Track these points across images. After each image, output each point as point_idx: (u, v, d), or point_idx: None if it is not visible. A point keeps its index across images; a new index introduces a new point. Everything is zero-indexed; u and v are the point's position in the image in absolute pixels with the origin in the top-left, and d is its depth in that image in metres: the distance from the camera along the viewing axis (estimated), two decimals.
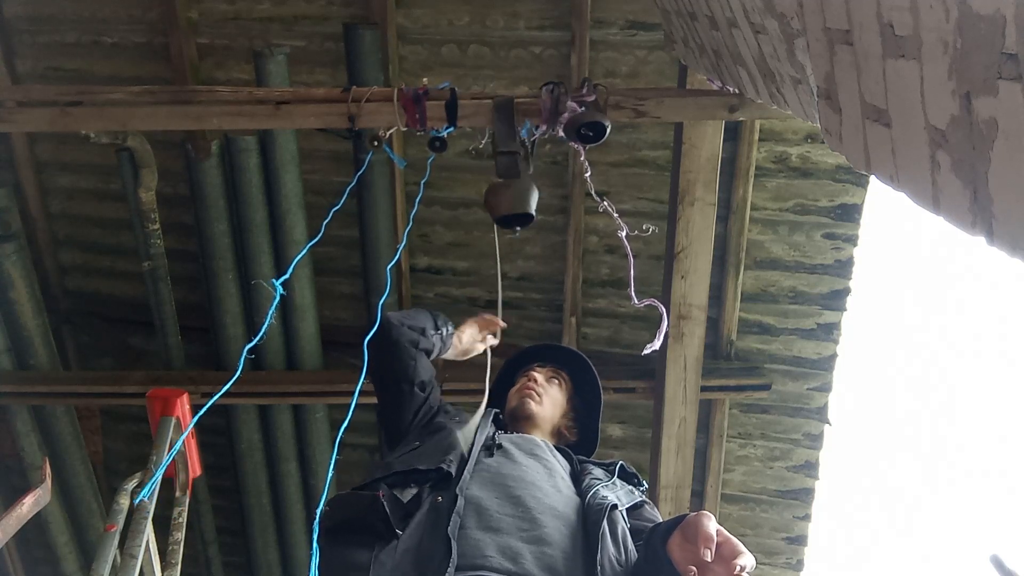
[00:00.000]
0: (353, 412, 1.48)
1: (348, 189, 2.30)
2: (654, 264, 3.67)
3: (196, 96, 2.38)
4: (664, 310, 1.81)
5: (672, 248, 3.29)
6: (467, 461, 1.52)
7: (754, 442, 4.08)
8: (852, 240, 3.58)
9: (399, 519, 1.38)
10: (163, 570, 2.58)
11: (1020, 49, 0.64)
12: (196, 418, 1.26)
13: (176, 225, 4.12)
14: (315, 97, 2.35)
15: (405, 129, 2.29)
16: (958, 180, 0.80)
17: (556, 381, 1.94)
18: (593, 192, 2.16)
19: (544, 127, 2.19)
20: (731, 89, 2.20)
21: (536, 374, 1.93)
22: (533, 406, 1.84)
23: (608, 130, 2.08)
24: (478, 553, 1.32)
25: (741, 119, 2.73)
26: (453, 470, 1.48)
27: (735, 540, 1.20)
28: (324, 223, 1.96)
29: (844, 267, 3.63)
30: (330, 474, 1.47)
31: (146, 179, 3.68)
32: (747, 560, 1.16)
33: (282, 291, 1.49)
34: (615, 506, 1.45)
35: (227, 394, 1.46)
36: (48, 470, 2.74)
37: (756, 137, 3.44)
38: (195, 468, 3.03)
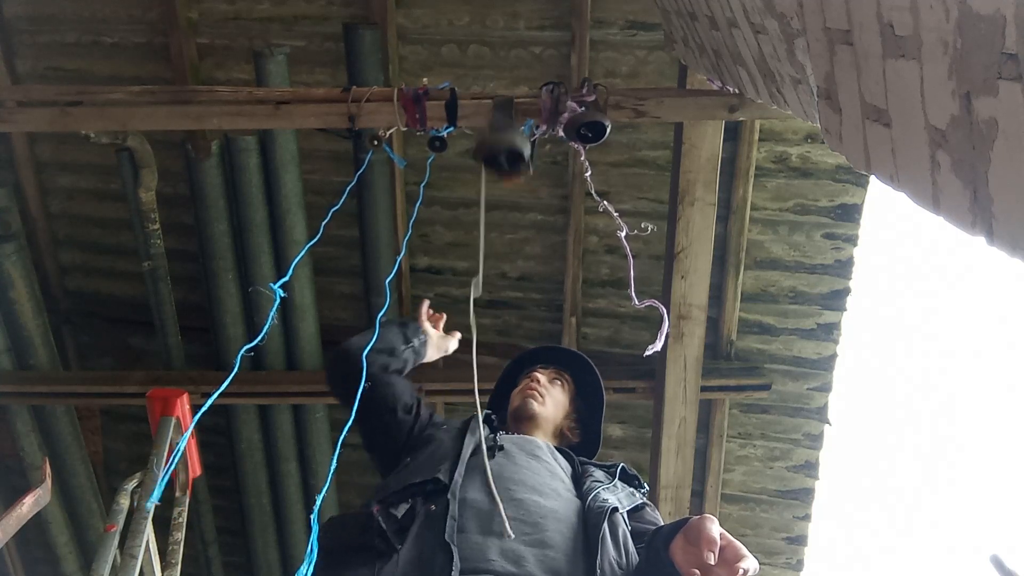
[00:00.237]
0: (355, 412, 1.48)
1: (348, 189, 2.30)
2: (654, 264, 3.67)
3: (196, 96, 2.38)
4: (665, 312, 1.80)
5: (672, 248, 3.29)
6: (458, 466, 1.50)
7: (754, 442, 4.08)
8: (852, 240, 3.58)
9: (396, 534, 1.37)
10: (163, 570, 2.58)
11: (1020, 49, 0.64)
12: (196, 419, 1.26)
13: (176, 225, 4.12)
14: (315, 97, 2.35)
15: (405, 129, 2.29)
16: (958, 180, 0.80)
17: (558, 382, 1.93)
18: (593, 192, 2.16)
19: (544, 127, 2.19)
20: (731, 89, 2.20)
21: (539, 375, 1.92)
22: (536, 406, 1.83)
23: (608, 130, 2.08)
24: (481, 557, 1.31)
25: (741, 119, 2.73)
26: (447, 478, 1.46)
27: (738, 543, 1.20)
28: (323, 223, 1.96)
29: (844, 267, 3.63)
30: (331, 474, 1.47)
31: (146, 179, 3.68)
32: (750, 563, 1.16)
33: (283, 294, 1.49)
34: (616, 509, 1.45)
35: (227, 394, 1.46)
36: (48, 470, 2.74)
37: (756, 137, 3.44)
38: (195, 468, 3.03)
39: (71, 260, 4.57)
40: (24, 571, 4.97)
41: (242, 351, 1.47)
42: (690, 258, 3.28)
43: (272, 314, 1.61)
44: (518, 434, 1.78)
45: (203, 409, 1.30)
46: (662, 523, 1.59)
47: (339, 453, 1.50)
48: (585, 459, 1.73)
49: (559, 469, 1.60)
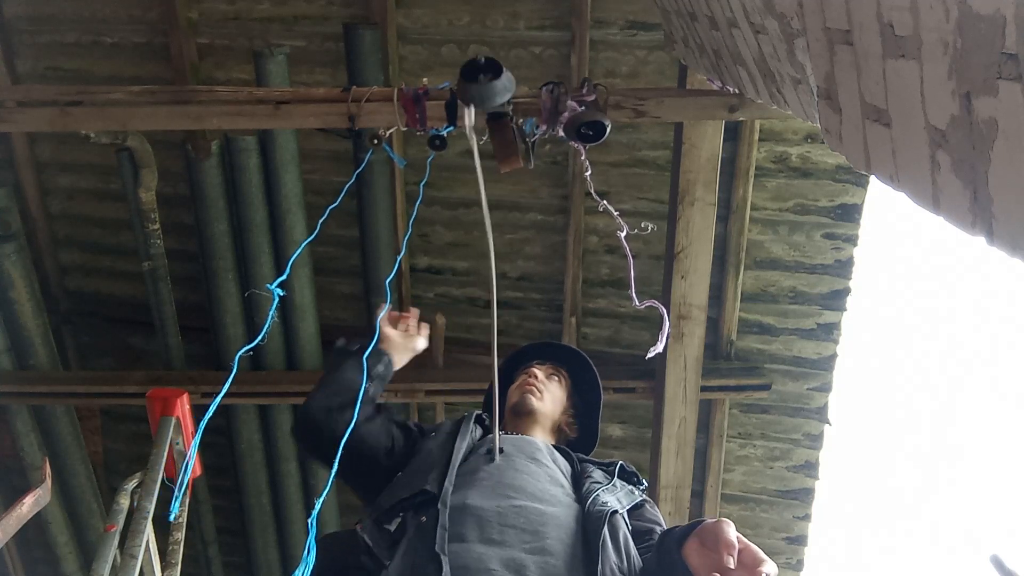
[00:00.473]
0: (356, 412, 1.48)
1: (346, 188, 2.30)
2: (654, 264, 3.67)
3: (196, 96, 2.38)
4: (665, 312, 1.80)
5: (672, 248, 3.29)
6: (448, 473, 1.48)
7: (754, 442, 4.08)
8: (852, 240, 3.58)
9: (386, 549, 1.35)
10: (163, 570, 2.58)
11: (1020, 49, 0.64)
12: (201, 425, 1.25)
13: (176, 225, 4.12)
14: (315, 97, 2.35)
15: (405, 129, 2.29)
16: (958, 180, 0.80)
17: (556, 378, 1.93)
18: (593, 192, 2.15)
19: (544, 127, 2.18)
20: (731, 89, 2.20)
21: (536, 371, 1.92)
22: (535, 401, 1.82)
23: (608, 130, 2.08)
24: (482, 567, 1.30)
25: (741, 119, 2.73)
26: (436, 488, 1.44)
27: (755, 547, 1.19)
28: (320, 221, 1.95)
29: (844, 267, 3.63)
30: (332, 474, 1.46)
31: (146, 179, 3.68)
32: (770, 567, 1.15)
33: (281, 292, 1.49)
34: (615, 511, 1.44)
35: (227, 394, 1.46)
36: (48, 470, 2.74)
37: (756, 137, 3.44)
38: (195, 468, 3.03)
39: (71, 260, 4.57)
40: (24, 571, 4.97)
41: (241, 352, 1.47)
42: (690, 258, 3.28)
43: (272, 314, 1.60)
44: (516, 432, 1.78)
45: (207, 416, 1.29)
46: (662, 519, 1.59)
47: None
48: (583, 456, 1.72)
49: (559, 472, 1.58)
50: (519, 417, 1.82)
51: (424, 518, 1.38)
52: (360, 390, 1.55)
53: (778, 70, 1.51)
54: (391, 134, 2.39)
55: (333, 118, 2.31)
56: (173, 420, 2.87)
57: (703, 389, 3.60)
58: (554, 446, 1.72)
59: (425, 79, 2.35)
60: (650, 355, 1.77)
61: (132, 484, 2.57)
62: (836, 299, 3.70)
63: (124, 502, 2.51)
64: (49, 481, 2.56)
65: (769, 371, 3.85)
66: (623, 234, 2.00)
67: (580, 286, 3.96)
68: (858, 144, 1.09)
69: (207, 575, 4.90)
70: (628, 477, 1.65)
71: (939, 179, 0.85)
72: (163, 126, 2.58)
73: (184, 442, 2.83)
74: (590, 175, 2.18)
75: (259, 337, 1.53)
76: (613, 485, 1.56)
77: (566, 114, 2.13)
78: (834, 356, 3.81)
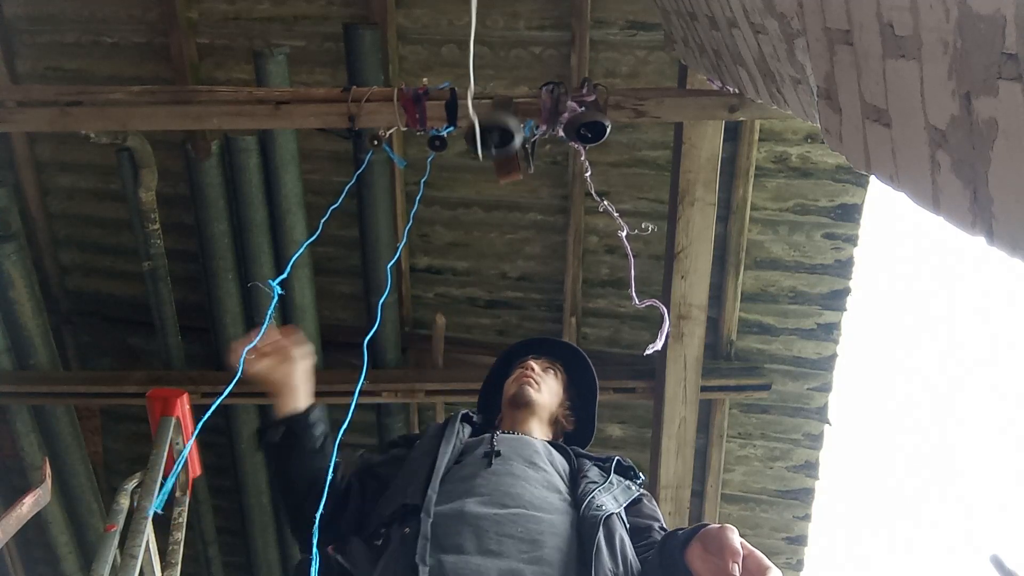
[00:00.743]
0: (353, 412, 1.47)
1: (347, 188, 2.30)
2: (654, 264, 3.67)
3: (196, 96, 2.38)
4: (665, 311, 1.80)
5: (672, 248, 3.29)
6: (431, 480, 1.45)
7: (754, 442, 4.08)
8: (852, 240, 3.58)
9: (370, 564, 1.34)
10: (163, 570, 2.58)
11: (1020, 49, 0.64)
12: (199, 425, 1.26)
13: (176, 225, 4.12)
14: (315, 97, 2.35)
15: (405, 129, 2.29)
16: (958, 180, 0.80)
17: (552, 372, 1.93)
18: (593, 192, 2.16)
19: (544, 127, 2.19)
20: (731, 89, 2.20)
21: (533, 363, 1.92)
22: (532, 392, 1.82)
23: (608, 130, 2.08)
24: None
25: (741, 119, 2.73)
26: (419, 498, 1.41)
27: (759, 553, 1.18)
28: (322, 221, 1.95)
29: (844, 267, 3.63)
30: (329, 474, 1.46)
31: (146, 179, 3.68)
32: (775, 574, 1.15)
33: (280, 291, 1.49)
34: (611, 515, 1.44)
35: (227, 394, 1.46)
36: (48, 470, 2.74)
37: (756, 137, 3.44)
38: (195, 468, 3.03)
39: (71, 260, 4.57)
40: (24, 571, 4.97)
41: (244, 352, 1.47)
42: (690, 258, 3.28)
43: (270, 313, 1.60)
44: (514, 426, 1.78)
45: (206, 416, 1.29)
46: (659, 514, 1.59)
47: (338, 453, 1.50)
48: (580, 450, 1.72)
49: (556, 476, 1.56)
50: (517, 409, 1.82)
51: (407, 529, 1.36)
52: (309, 468, 1.47)
53: (778, 70, 1.51)
54: (391, 134, 2.40)
55: (333, 118, 2.31)
56: (173, 420, 2.87)
57: (703, 389, 3.60)
58: (551, 443, 1.72)
59: (425, 79, 2.35)
60: (648, 352, 1.77)
61: (132, 484, 2.57)
62: (836, 299, 3.70)
63: (124, 502, 2.51)
64: (49, 481, 2.56)
65: (769, 371, 3.85)
66: (623, 234, 2.00)
67: (580, 286, 3.96)
68: (858, 144, 1.09)
69: (207, 575, 4.90)
70: (624, 472, 1.65)
71: (939, 179, 0.85)
72: (163, 126, 2.58)
73: (184, 442, 2.83)
74: (590, 175, 2.18)
75: (259, 336, 1.53)
76: (610, 483, 1.55)
77: (566, 114, 2.13)
78: (834, 356, 3.81)
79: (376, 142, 2.35)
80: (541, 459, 1.59)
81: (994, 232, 0.75)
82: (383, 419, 4.31)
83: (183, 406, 2.94)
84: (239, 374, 1.37)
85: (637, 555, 1.42)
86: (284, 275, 1.59)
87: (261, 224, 3.82)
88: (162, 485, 2.59)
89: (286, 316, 4.02)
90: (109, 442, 4.93)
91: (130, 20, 3.78)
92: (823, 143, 1.51)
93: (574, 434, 1.88)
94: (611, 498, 1.50)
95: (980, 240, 0.78)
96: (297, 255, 2.17)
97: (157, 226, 3.82)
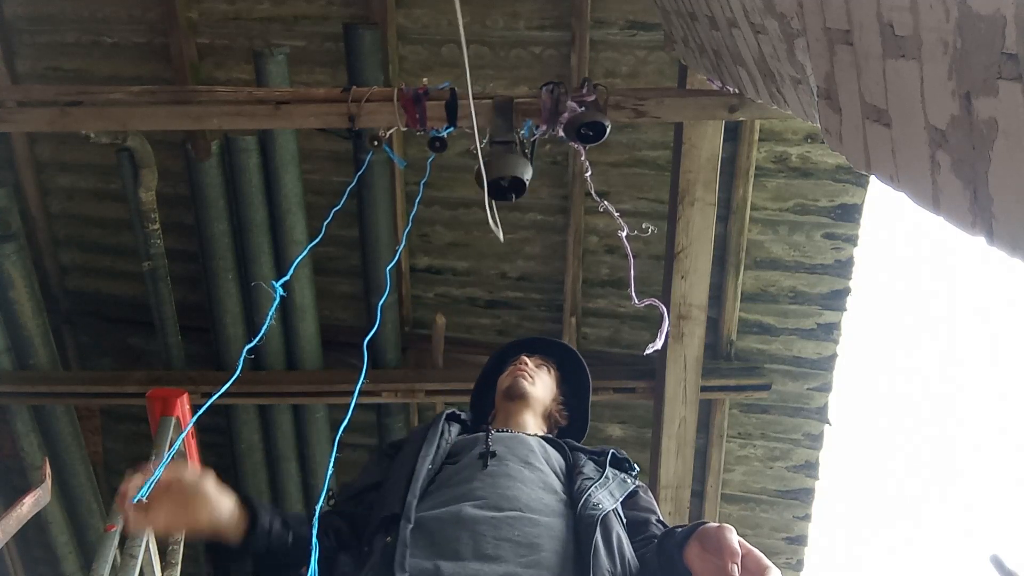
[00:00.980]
0: (353, 412, 1.47)
1: (348, 189, 2.30)
2: (654, 264, 3.67)
3: (196, 96, 2.38)
4: (665, 310, 1.80)
5: (672, 248, 3.29)
6: (411, 486, 1.44)
7: (754, 442, 4.08)
8: (852, 240, 3.58)
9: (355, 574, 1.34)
10: (163, 570, 2.58)
11: (1020, 49, 0.64)
12: (194, 419, 1.26)
13: (176, 225, 4.12)
14: (315, 97, 2.36)
15: (405, 129, 2.29)
16: (958, 180, 0.80)
17: (545, 368, 1.94)
18: (593, 192, 2.16)
19: (544, 127, 2.19)
20: (731, 89, 2.20)
21: (526, 359, 1.93)
22: (526, 385, 1.83)
23: (608, 130, 2.09)
24: None
25: (741, 119, 2.73)
26: (399, 507, 1.39)
27: (758, 552, 1.18)
28: (325, 223, 1.96)
29: (844, 267, 3.63)
30: (329, 474, 1.46)
31: (146, 179, 3.68)
32: (775, 574, 1.15)
33: (282, 292, 1.49)
34: (607, 513, 1.43)
35: (227, 394, 1.46)
36: (48, 470, 2.74)
37: (756, 137, 3.44)
38: (195, 468, 3.03)
39: (71, 260, 4.57)
40: (24, 571, 4.97)
41: (244, 352, 1.46)
42: (690, 258, 3.28)
43: (271, 313, 1.61)
44: (507, 422, 1.78)
45: (201, 411, 1.29)
46: (656, 506, 1.59)
47: (338, 453, 1.50)
48: (575, 444, 1.71)
49: (552, 476, 1.55)
50: (511, 401, 1.82)
51: (389, 538, 1.34)
52: (297, 561, 1.32)
53: (778, 70, 1.51)
54: (391, 134, 2.40)
55: (333, 118, 2.32)
56: (173, 420, 2.87)
57: (703, 389, 3.60)
58: (546, 438, 1.71)
59: (425, 79, 2.36)
60: (648, 351, 1.77)
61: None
62: (836, 299, 3.70)
63: None
64: (49, 481, 2.57)
65: (769, 371, 3.85)
66: (623, 234, 2.00)
67: (580, 286, 3.96)
68: (858, 144, 1.09)
69: (207, 575, 4.90)
70: (619, 464, 1.64)
71: (939, 179, 0.85)
72: (163, 126, 2.58)
73: (184, 442, 2.84)
74: (590, 175, 2.19)
75: (258, 336, 1.53)
76: (605, 478, 1.54)
77: (566, 114, 2.14)
78: (834, 356, 3.81)
79: (376, 142, 2.35)
80: (537, 458, 1.58)
81: (994, 232, 0.75)
82: (383, 419, 4.31)
83: (183, 406, 2.94)
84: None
85: (635, 550, 1.42)
86: (287, 276, 1.59)
87: (261, 224, 3.82)
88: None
89: (286, 316, 4.02)
90: (109, 442, 4.92)
91: (130, 20, 3.78)
92: (823, 143, 1.51)
93: (568, 429, 1.89)
94: (607, 494, 1.49)
95: (980, 240, 0.78)
96: (301, 257, 2.17)
97: (157, 226, 3.82)
